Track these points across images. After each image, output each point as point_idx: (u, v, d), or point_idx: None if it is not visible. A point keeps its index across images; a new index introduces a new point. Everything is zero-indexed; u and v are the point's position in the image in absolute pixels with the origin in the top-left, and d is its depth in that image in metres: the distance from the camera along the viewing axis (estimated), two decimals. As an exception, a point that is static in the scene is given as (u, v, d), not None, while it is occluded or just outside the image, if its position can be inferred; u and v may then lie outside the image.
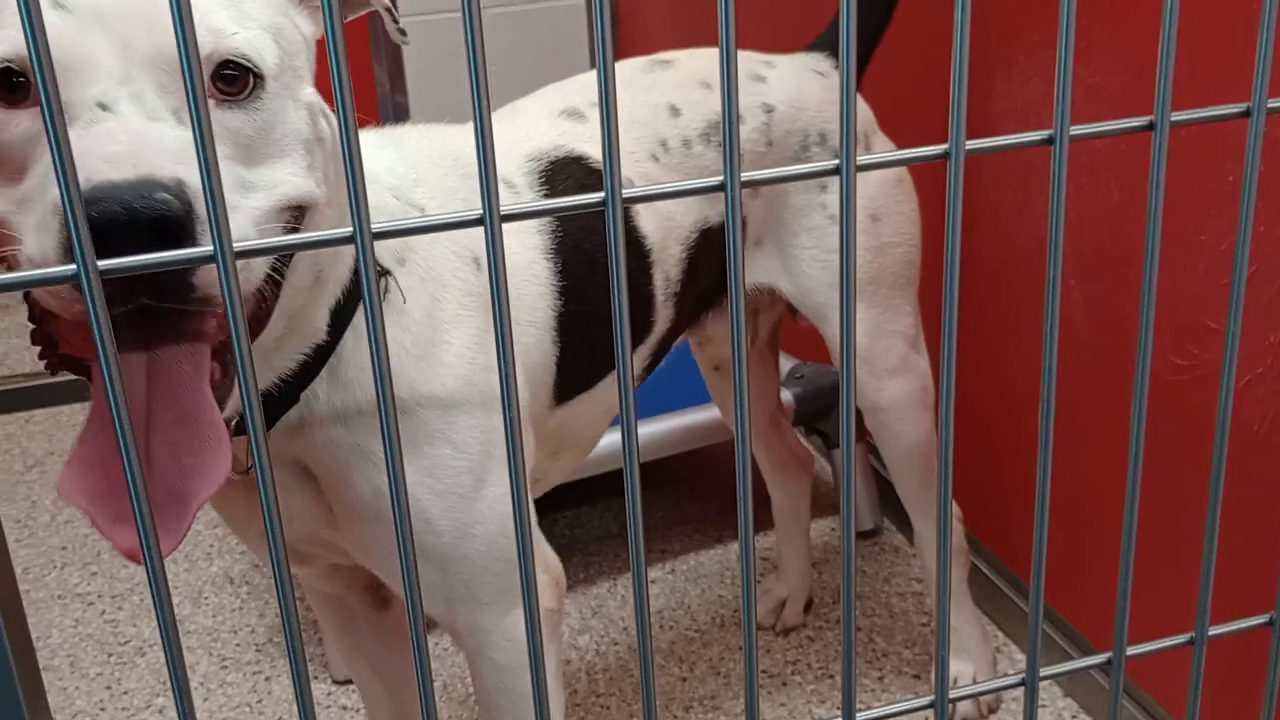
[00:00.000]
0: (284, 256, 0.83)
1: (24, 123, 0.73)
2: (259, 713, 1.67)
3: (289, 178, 0.80)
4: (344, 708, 1.65)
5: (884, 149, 1.37)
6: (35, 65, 0.49)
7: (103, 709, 1.69)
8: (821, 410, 1.93)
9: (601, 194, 0.58)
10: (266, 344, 0.88)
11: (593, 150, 1.16)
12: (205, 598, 1.92)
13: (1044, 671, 0.75)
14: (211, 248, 0.54)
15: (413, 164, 1.05)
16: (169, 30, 0.71)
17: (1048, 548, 0.72)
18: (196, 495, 0.75)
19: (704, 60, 1.28)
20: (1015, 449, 1.66)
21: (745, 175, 0.59)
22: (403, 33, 0.98)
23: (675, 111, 1.22)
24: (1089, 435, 1.47)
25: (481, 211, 0.57)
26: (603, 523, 2.06)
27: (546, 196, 1.11)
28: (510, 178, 1.12)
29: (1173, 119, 0.65)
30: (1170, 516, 1.35)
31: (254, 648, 1.80)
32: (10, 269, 0.75)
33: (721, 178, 0.59)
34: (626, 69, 1.27)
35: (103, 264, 0.53)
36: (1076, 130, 0.63)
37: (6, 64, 0.73)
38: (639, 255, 1.18)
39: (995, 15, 1.49)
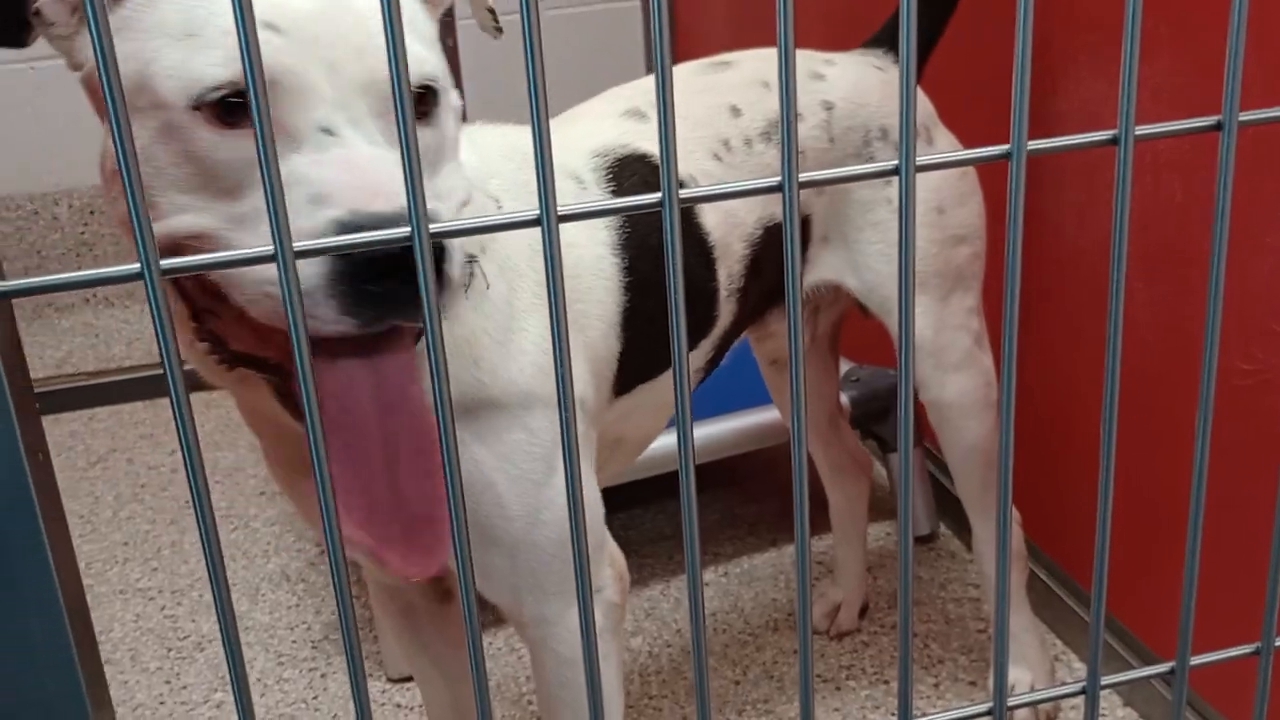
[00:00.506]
0: None
1: (244, 145, 0.75)
2: (314, 709, 1.68)
3: (458, 181, 0.84)
4: (398, 705, 1.67)
5: (945, 142, 1.37)
6: (251, 86, 0.50)
7: (162, 703, 1.72)
8: (878, 413, 1.91)
9: (659, 195, 0.58)
10: None
11: (655, 148, 1.17)
12: (262, 594, 1.94)
13: (1105, 680, 0.74)
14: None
15: (485, 158, 1.06)
16: (375, 56, 0.76)
17: (1109, 554, 0.71)
18: (443, 512, 0.76)
19: (763, 61, 1.29)
20: (1075, 453, 1.63)
21: (804, 176, 0.59)
22: (499, 29, 1.01)
23: (736, 111, 1.23)
24: (1152, 439, 1.44)
25: (539, 211, 0.57)
26: (656, 524, 2.06)
27: (613, 192, 1.13)
28: (578, 172, 1.13)
29: (1241, 118, 0.63)
30: (1235, 522, 1.32)
31: (310, 644, 1.82)
32: (194, 283, 0.79)
33: (779, 178, 0.59)
34: (686, 71, 1.28)
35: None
36: (1142, 130, 0.62)
37: (229, 87, 0.74)
38: (702, 252, 1.19)
39: (1057, 10, 1.47)
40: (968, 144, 1.42)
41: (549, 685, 1.07)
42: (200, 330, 0.83)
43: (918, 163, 0.60)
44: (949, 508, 1.96)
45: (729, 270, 1.21)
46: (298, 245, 0.54)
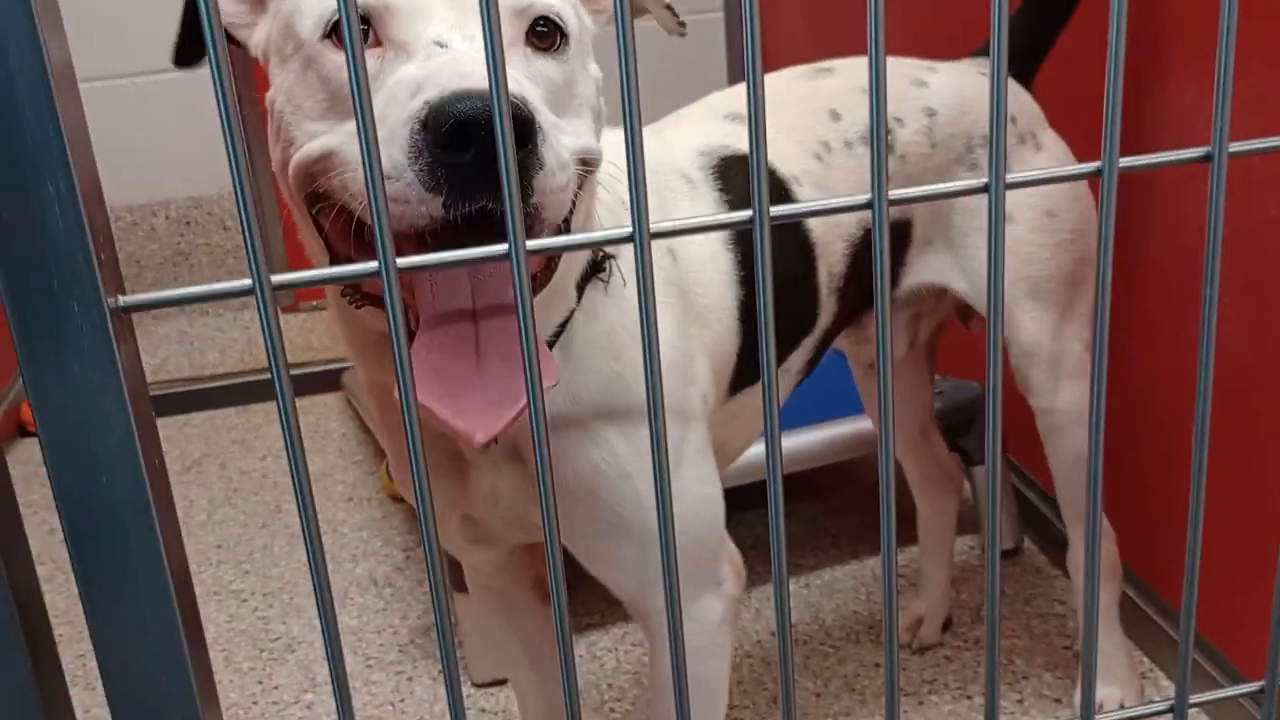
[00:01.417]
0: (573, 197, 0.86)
1: (367, 63, 0.79)
2: (401, 712, 1.71)
3: (585, 131, 0.88)
4: (483, 710, 1.69)
5: (1053, 146, 1.38)
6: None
7: (255, 703, 1.76)
8: (962, 425, 1.90)
9: (749, 212, 0.59)
10: (537, 303, 0.93)
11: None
12: (351, 598, 1.98)
13: (1193, 699, 0.74)
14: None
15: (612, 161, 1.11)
16: None
17: (1198, 571, 0.70)
18: (522, 395, 0.79)
19: (859, 69, 1.32)
20: (1166, 470, 1.61)
21: (893, 194, 0.60)
22: (682, 26, 1.05)
23: (835, 116, 1.26)
24: (1242, 457, 1.42)
25: (631, 229, 0.59)
26: (736, 535, 2.05)
27: (720, 191, 1.16)
28: (688, 172, 1.16)
29: (1337, 135, 0.63)
30: (1330, 543, 1.29)
31: (397, 648, 1.85)
32: (331, 201, 0.82)
33: (869, 195, 0.60)
34: (788, 77, 1.32)
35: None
36: (1236, 147, 0.62)
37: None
38: (804, 249, 1.21)
39: (1148, 21, 1.46)
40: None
41: (665, 686, 1.09)
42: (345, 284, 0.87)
43: (1007, 180, 0.60)
44: (1033, 522, 1.94)
45: (830, 268, 1.23)
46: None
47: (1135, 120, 1.51)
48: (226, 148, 0.54)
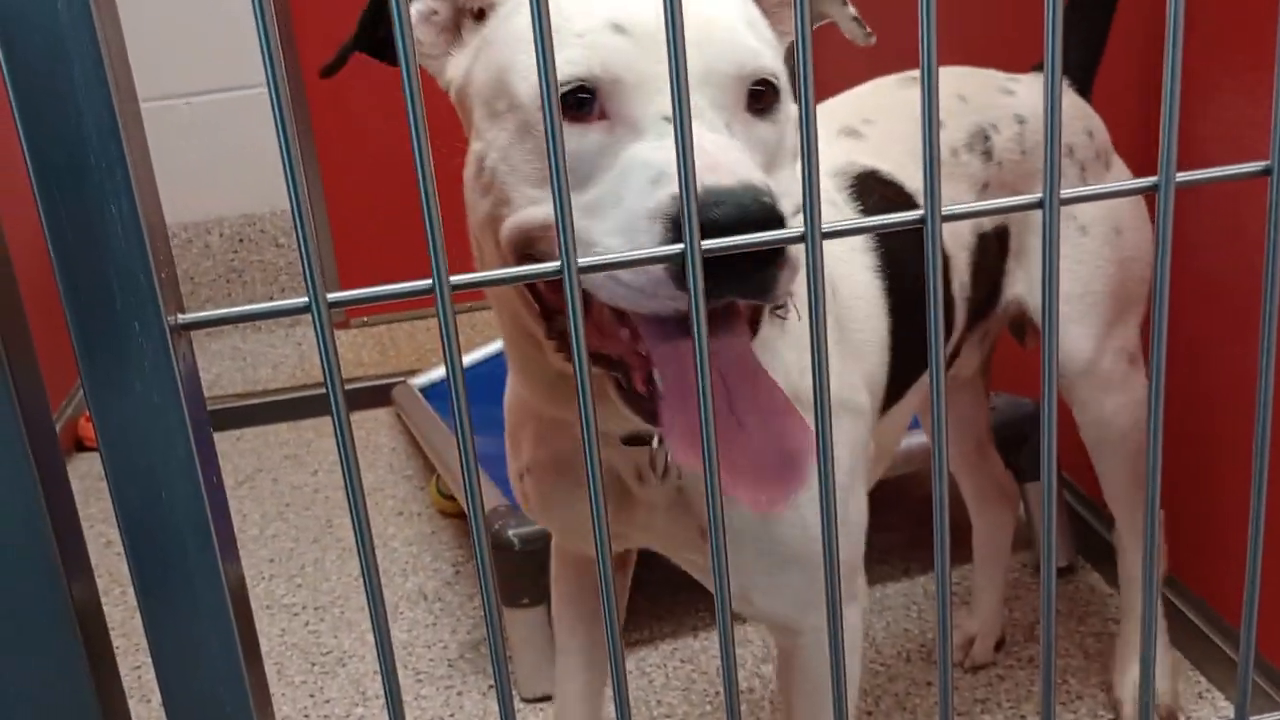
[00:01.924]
0: None
1: (592, 136, 0.80)
2: (451, 726, 1.72)
3: (791, 180, 0.87)
4: (532, 725, 1.69)
5: (1119, 164, 1.40)
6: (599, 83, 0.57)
7: (306, 716, 1.77)
8: (1015, 441, 1.88)
9: (920, 212, 0.59)
10: None
11: (878, 163, 1.21)
12: (400, 612, 1.99)
13: (1253, 719, 0.73)
14: (801, 229, 0.59)
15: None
16: (711, 51, 0.81)
17: (1258, 590, 0.69)
18: (803, 446, 0.80)
19: (954, 77, 1.34)
20: (1224, 486, 1.59)
21: (946, 209, 0.60)
22: (870, 35, 1.05)
23: (940, 124, 1.27)
24: (1303, 474, 1.40)
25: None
26: (786, 551, 2.05)
27: (861, 210, 1.16)
28: (829, 194, 1.17)
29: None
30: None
31: (446, 663, 1.86)
32: (546, 284, 0.83)
33: (921, 212, 0.60)
34: (885, 86, 1.34)
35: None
36: (1295, 160, 0.61)
37: (578, 82, 0.80)
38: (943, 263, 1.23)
39: (1202, 33, 1.45)
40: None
41: (814, 684, 1.11)
42: (550, 329, 0.89)
43: (1062, 196, 0.60)
44: (1088, 540, 1.91)
45: (961, 280, 1.25)
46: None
47: (1184, 134, 1.50)
48: (285, 169, 0.54)
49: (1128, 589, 1.62)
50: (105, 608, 0.63)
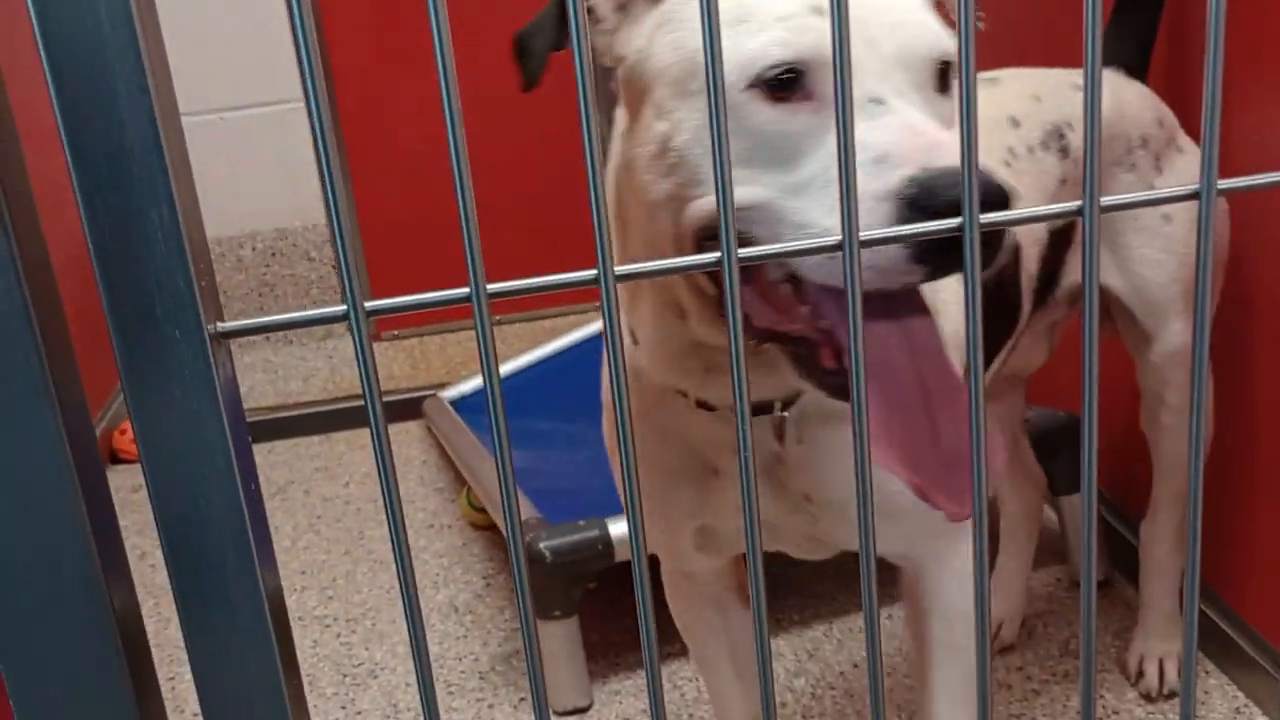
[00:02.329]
0: None
1: (800, 118, 0.81)
2: (482, 739, 1.72)
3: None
4: (563, 738, 1.69)
5: (1190, 146, 1.43)
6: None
7: (337, 728, 1.78)
8: (1049, 453, 1.87)
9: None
10: None
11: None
12: (431, 625, 1.99)
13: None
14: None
15: None
16: (907, 32, 0.82)
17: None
18: (995, 457, 0.80)
19: (1024, 79, 1.38)
20: (1263, 498, 1.57)
21: (985, 219, 0.59)
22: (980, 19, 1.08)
23: (1015, 123, 1.31)
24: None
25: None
26: (818, 563, 2.04)
27: None
28: None
29: None
30: None
31: (478, 675, 1.86)
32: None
33: (960, 220, 0.59)
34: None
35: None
36: (1340, 166, 0.61)
37: (785, 65, 0.81)
38: (1014, 252, 1.25)
39: (1236, 38, 1.43)
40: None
41: (949, 617, 1.14)
42: (716, 304, 0.90)
43: (1103, 204, 0.60)
44: (1123, 555, 1.90)
45: (1029, 271, 1.28)
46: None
47: (1224, 142, 1.48)
48: (322, 175, 0.55)
49: (1149, 582, 1.67)
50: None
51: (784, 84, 0.81)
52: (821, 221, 0.79)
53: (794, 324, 0.85)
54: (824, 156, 0.80)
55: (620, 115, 0.96)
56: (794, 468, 1.04)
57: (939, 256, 0.73)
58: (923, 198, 0.72)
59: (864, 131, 0.78)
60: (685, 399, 1.01)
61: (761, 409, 1.00)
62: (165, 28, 0.56)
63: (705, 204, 0.84)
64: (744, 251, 0.59)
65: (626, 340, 1.06)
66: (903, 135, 0.77)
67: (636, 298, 1.00)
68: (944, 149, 0.75)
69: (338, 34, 2.97)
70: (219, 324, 0.56)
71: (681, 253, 0.88)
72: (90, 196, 0.53)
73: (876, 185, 0.75)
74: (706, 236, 0.85)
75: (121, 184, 0.53)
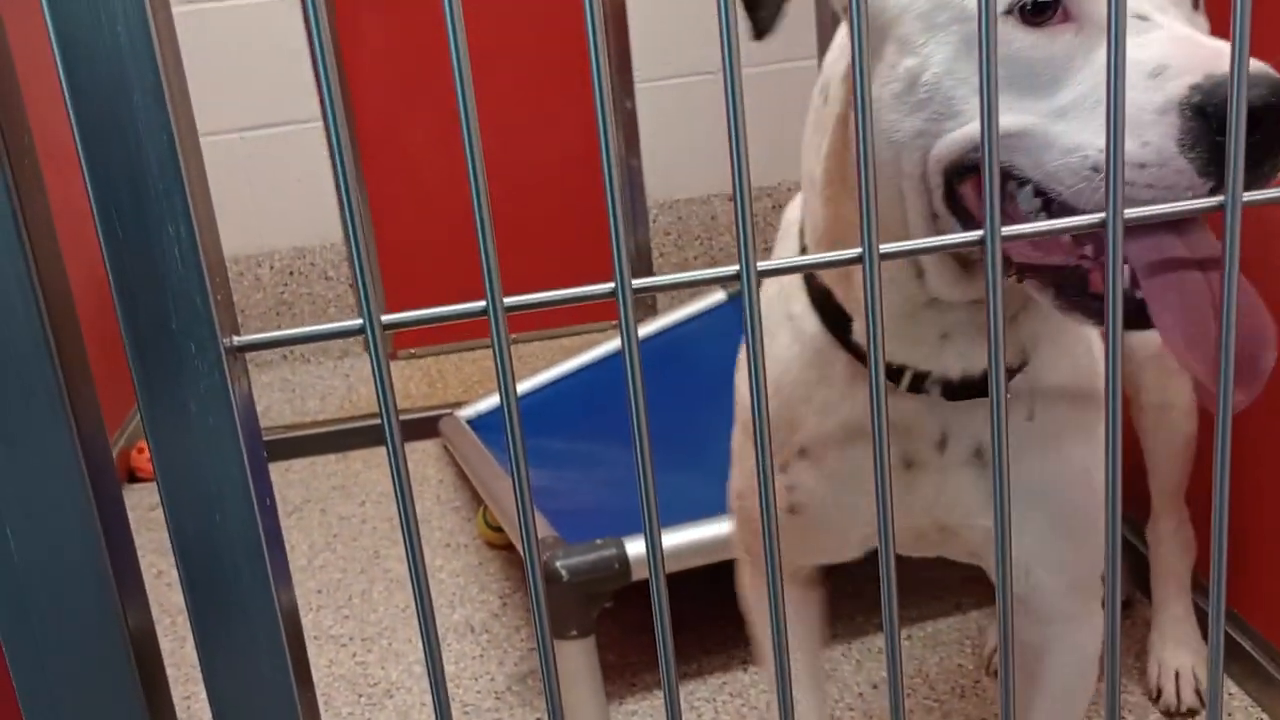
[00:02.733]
0: None
1: (1061, 39, 0.80)
2: (498, 760, 1.71)
3: None
4: (579, 759, 1.68)
5: None
6: None
7: (353, 748, 1.77)
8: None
9: (979, 233, 0.59)
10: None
11: None
12: (447, 644, 1.99)
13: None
14: None
15: None
16: None
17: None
18: (1270, 339, 0.79)
19: None
20: (1264, 500, 1.55)
21: (1008, 229, 0.59)
22: None
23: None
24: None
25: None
26: (836, 583, 2.03)
27: None
28: None
29: None
30: None
31: (493, 695, 1.85)
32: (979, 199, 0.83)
33: (981, 233, 0.59)
34: None
35: None
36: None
37: None
38: None
39: (1265, 44, 1.42)
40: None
41: (1069, 679, 1.10)
42: (967, 266, 0.89)
43: (1126, 216, 0.59)
44: (1144, 576, 1.88)
45: None
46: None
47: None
48: (338, 187, 0.54)
49: (1159, 585, 1.68)
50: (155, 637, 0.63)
51: (1040, 7, 0.80)
52: (1094, 142, 0.77)
53: (1052, 255, 0.83)
54: (1089, 77, 0.78)
55: (835, 65, 0.95)
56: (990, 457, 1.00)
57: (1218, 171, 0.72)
58: (1211, 103, 0.71)
59: (1134, 49, 0.76)
60: (893, 384, 0.97)
61: (967, 389, 0.96)
62: (185, 47, 0.56)
63: (957, 137, 0.83)
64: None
65: (808, 323, 1.01)
66: (1179, 46, 0.75)
67: (850, 243, 0.97)
68: (1223, 56, 0.72)
69: (356, 53, 2.98)
70: (235, 337, 0.56)
71: (924, 195, 0.86)
72: (107, 211, 0.53)
73: (1156, 98, 0.73)
74: (956, 171, 0.84)
75: (138, 199, 0.53)
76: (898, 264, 0.92)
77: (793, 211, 1.11)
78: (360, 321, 0.56)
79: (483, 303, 0.57)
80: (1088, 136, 0.78)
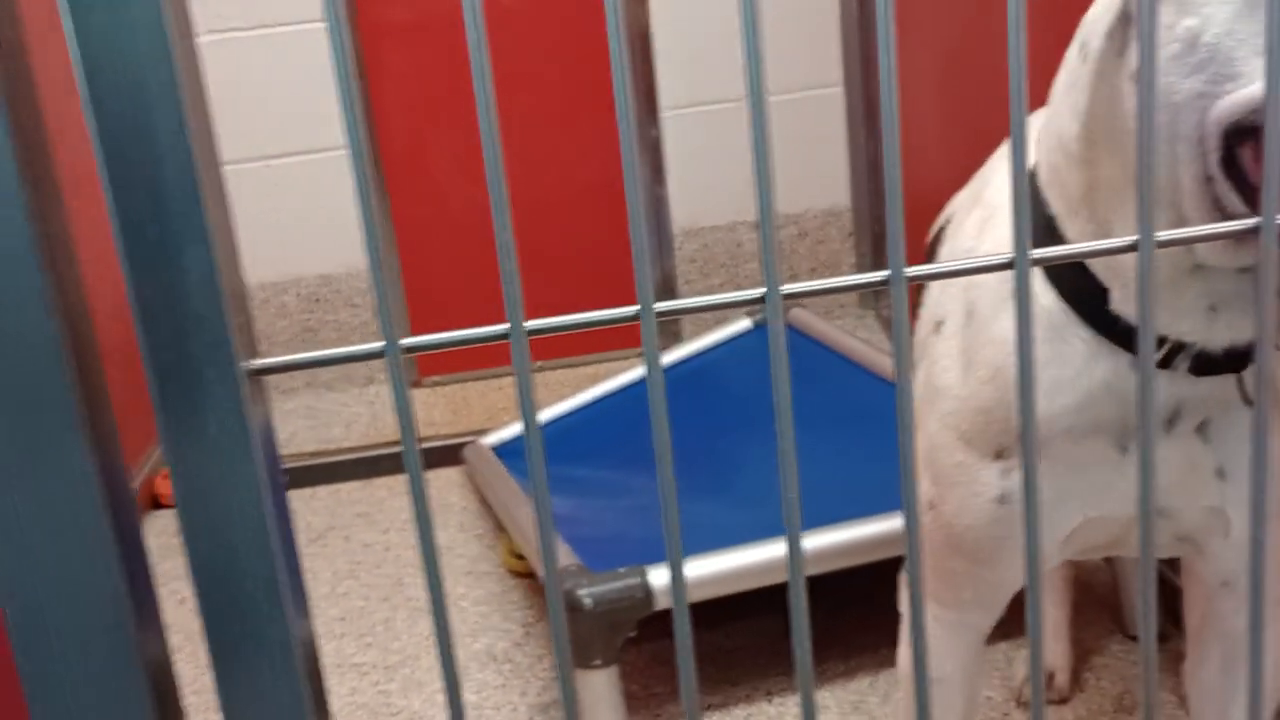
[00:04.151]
0: None
1: None
2: (520, 790, 1.69)
3: None
4: (602, 791, 1.66)
5: None
6: None
7: (374, 777, 1.75)
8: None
9: (1021, 251, 0.58)
10: None
11: None
12: (470, 674, 1.97)
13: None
14: None
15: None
16: None
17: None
18: None
19: None
20: None
21: (1037, 252, 0.57)
22: None
23: None
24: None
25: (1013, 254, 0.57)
26: (863, 614, 2.01)
27: None
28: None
29: None
30: None
31: (516, 725, 1.83)
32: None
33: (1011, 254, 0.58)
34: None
35: None
36: None
37: None
38: None
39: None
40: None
41: None
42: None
43: (1158, 239, 0.58)
44: (1177, 608, 1.85)
45: None
46: None
47: None
48: (360, 207, 0.54)
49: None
50: (179, 664, 0.62)
51: None
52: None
53: None
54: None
55: (1096, 23, 0.92)
56: (1213, 438, 0.96)
57: None
58: None
59: None
60: (1132, 359, 0.92)
61: (1232, 359, 0.92)
62: (212, 76, 0.56)
63: (1238, 98, 0.81)
64: None
65: (1044, 297, 0.97)
66: None
67: (1106, 209, 0.93)
68: None
69: (380, 79, 3.00)
70: (253, 361, 0.56)
71: (1200, 158, 0.83)
72: (128, 233, 0.53)
73: None
74: (1235, 132, 0.82)
75: (159, 221, 0.53)
76: (1164, 224, 0.88)
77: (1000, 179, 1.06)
78: (380, 345, 0.56)
79: (505, 325, 0.56)
80: None
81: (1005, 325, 1.00)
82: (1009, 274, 0.99)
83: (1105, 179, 0.91)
